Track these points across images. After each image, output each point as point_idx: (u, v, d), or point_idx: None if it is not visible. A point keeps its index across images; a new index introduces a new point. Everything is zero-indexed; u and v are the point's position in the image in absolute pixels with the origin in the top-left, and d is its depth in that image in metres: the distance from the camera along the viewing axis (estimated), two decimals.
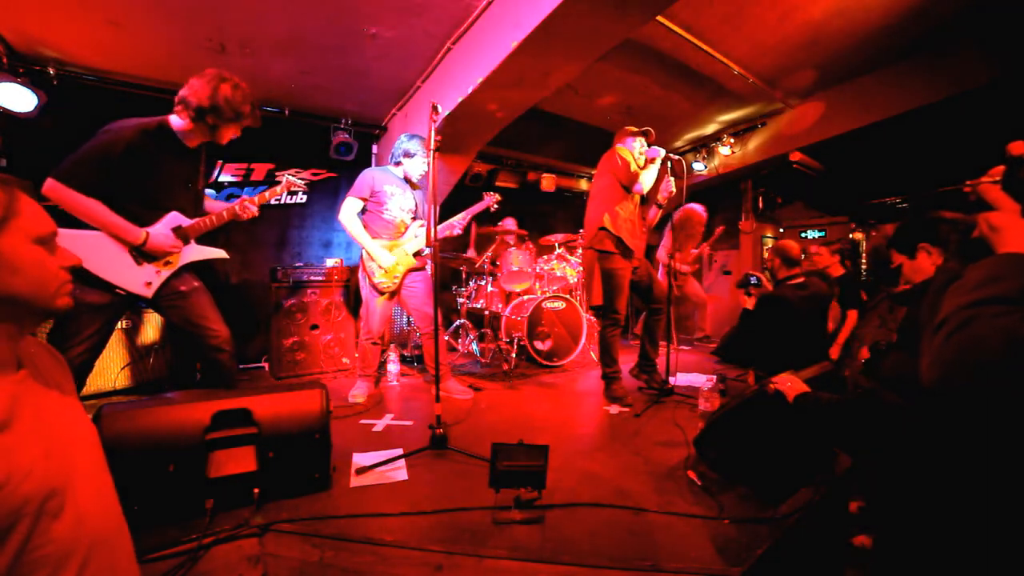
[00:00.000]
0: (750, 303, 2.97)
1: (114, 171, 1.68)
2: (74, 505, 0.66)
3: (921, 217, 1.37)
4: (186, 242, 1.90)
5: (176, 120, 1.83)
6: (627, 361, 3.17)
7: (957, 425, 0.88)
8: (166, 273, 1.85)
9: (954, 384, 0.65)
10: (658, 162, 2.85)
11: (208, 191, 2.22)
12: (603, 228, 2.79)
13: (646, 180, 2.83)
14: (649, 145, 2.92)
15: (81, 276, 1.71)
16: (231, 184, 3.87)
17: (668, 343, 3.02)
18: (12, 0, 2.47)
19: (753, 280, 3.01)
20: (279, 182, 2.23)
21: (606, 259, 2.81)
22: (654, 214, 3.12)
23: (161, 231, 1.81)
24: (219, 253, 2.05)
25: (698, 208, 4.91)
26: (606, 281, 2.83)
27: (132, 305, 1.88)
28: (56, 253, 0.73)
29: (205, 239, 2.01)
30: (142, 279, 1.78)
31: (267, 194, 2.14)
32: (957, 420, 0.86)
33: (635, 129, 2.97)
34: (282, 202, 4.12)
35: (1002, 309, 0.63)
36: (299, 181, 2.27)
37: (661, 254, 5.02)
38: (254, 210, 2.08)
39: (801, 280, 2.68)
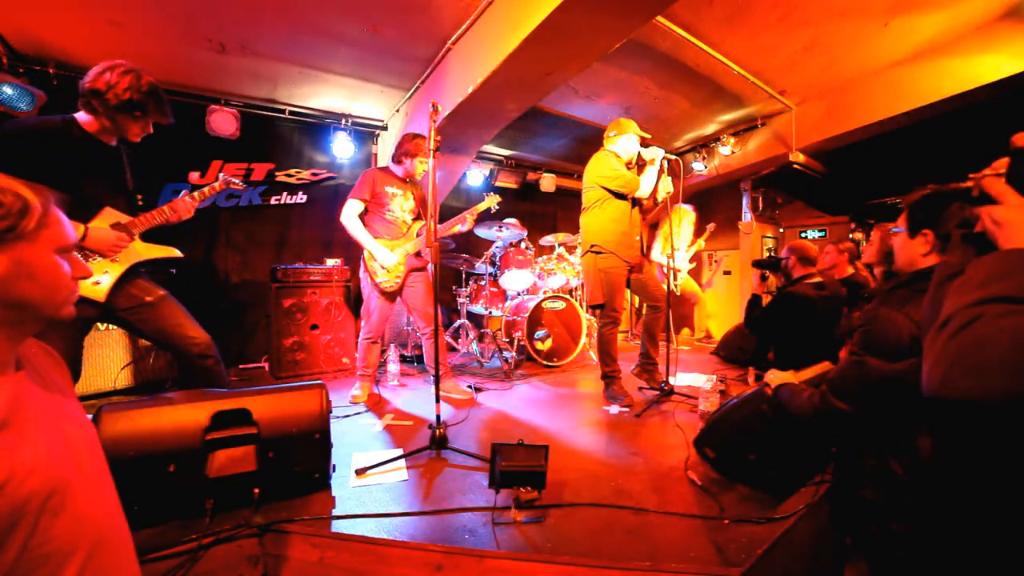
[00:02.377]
0: (761, 288, 2.93)
1: (25, 162, 1.56)
2: (75, 504, 0.67)
3: (940, 195, 1.23)
4: (131, 239, 1.78)
5: (80, 115, 1.74)
6: (628, 361, 3.17)
7: (961, 428, 0.88)
8: (116, 271, 1.73)
9: (957, 386, 0.64)
10: (657, 163, 2.82)
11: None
12: (594, 245, 2.82)
13: (645, 185, 2.78)
14: (645, 146, 2.90)
15: None
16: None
17: (668, 343, 3.02)
18: (12, 0, 2.47)
19: (781, 267, 2.88)
20: (218, 179, 2.12)
21: (602, 258, 2.83)
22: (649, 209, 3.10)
23: (101, 226, 1.70)
24: (172, 252, 1.92)
25: (687, 208, 4.96)
26: (603, 279, 2.84)
27: (94, 318, 1.78)
28: (70, 264, 0.76)
29: (154, 238, 1.90)
30: (88, 280, 1.66)
31: (206, 191, 2.02)
32: (962, 423, 0.86)
33: (625, 122, 2.86)
34: (282, 202, 4.12)
35: (1007, 308, 0.61)
36: (236, 181, 2.18)
37: (656, 254, 5.04)
38: (187, 210, 1.94)
39: (819, 280, 2.66)
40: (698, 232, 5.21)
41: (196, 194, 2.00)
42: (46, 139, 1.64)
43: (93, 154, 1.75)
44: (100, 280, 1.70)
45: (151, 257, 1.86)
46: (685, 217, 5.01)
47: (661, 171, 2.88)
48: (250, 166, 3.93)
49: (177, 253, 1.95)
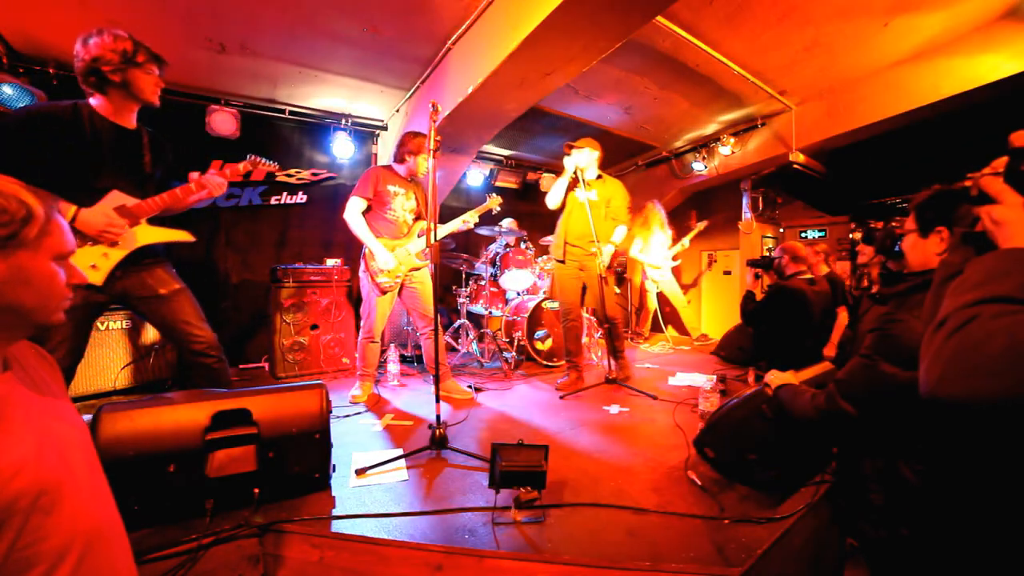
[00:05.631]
0: (755, 285, 3.12)
1: (22, 150, 1.57)
2: (68, 503, 0.67)
3: (947, 194, 1.20)
4: (133, 222, 1.74)
5: (93, 99, 1.72)
6: (634, 360, 3.20)
7: (957, 427, 0.88)
8: (116, 256, 1.70)
9: (954, 387, 0.63)
10: (565, 176, 3.07)
11: None
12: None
13: (548, 198, 3.17)
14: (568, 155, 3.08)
15: None
16: (230, 184, 3.87)
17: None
18: (12, 0, 2.47)
19: (775, 266, 3.09)
20: (248, 158, 2.12)
21: (554, 264, 3.30)
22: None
23: (96, 209, 1.65)
24: (181, 235, 1.87)
25: (655, 203, 5.03)
26: (553, 282, 3.40)
27: (99, 304, 1.75)
28: (66, 270, 0.76)
29: (169, 223, 1.88)
30: (86, 262, 1.64)
31: (240, 167, 2.05)
32: (957, 422, 0.86)
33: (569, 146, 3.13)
34: (282, 202, 4.12)
35: (1004, 308, 0.61)
36: (267, 161, 2.14)
37: (634, 252, 5.04)
38: (219, 186, 1.94)
39: (811, 276, 2.88)
40: (682, 230, 5.20)
41: (227, 170, 1.99)
42: (53, 124, 1.62)
43: (105, 137, 1.71)
44: (97, 264, 1.67)
45: (158, 241, 1.82)
46: (653, 217, 5.00)
47: (573, 179, 3.05)
48: None
49: (188, 236, 1.90)
